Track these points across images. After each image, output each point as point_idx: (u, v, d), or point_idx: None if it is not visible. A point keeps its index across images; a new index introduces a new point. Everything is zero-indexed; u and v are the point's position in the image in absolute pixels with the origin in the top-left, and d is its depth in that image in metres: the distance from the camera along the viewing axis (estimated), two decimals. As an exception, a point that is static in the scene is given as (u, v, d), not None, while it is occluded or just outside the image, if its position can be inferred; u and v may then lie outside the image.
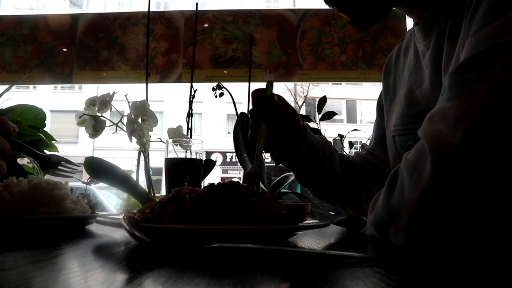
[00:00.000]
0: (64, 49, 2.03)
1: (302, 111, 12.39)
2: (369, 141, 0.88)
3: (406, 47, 0.74)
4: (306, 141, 0.71)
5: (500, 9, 0.39)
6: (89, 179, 1.00)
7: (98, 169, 0.93)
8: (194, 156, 0.79)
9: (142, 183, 1.03)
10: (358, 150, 0.90)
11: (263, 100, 0.66)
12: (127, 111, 0.97)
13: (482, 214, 0.33)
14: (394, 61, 0.77)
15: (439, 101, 0.42)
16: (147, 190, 1.00)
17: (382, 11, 0.59)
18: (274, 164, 0.82)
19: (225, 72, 1.95)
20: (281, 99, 0.68)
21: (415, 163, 0.38)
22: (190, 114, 1.20)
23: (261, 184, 1.10)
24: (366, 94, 13.97)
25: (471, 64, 0.38)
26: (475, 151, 0.33)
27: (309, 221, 0.52)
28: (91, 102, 0.98)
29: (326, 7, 0.63)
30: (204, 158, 0.85)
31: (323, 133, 1.24)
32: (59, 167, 0.61)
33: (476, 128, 0.34)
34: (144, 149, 0.99)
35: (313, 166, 0.72)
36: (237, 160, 1.13)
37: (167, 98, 13.14)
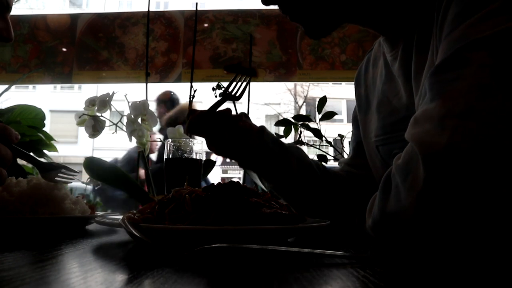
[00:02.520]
0: (64, 49, 2.02)
1: (302, 111, 12.39)
2: (345, 156, 0.87)
3: (374, 57, 0.74)
4: (267, 134, 0.69)
5: (470, 10, 0.40)
6: (89, 179, 1.00)
7: (97, 169, 0.93)
8: (194, 156, 0.79)
9: (142, 183, 1.02)
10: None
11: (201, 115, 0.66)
12: (127, 111, 0.97)
13: (480, 211, 0.33)
14: (364, 72, 0.78)
15: (421, 104, 0.42)
16: (146, 190, 1.00)
17: (334, 23, 0.60)
18: None
19: (225, 72, 1.94)
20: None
21: (407, 166, 0.39)
22: (190, 114, 1.20)
23: (261, 184, 1.10)
24: (366, 94, 13.90)
25: (448, 64, 0.39)
26: (465, 148, 0.34)
27: (309, 221, 0.52)
28: (91, 102, 0.98)
29: None
30: (204, 158, 0.85)
31: (323, 133, 1.24)
32: (59, 174, 0.62)
33: (463, 125, 0.34)
34: (144, 149, 0.99)
35: (281, 154, 0.69)
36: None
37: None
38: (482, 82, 0.35)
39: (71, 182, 0.64)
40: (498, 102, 0.34)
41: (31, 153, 0.61)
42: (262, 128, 0.70)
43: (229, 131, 0.67)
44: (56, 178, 0.61)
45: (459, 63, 0.38)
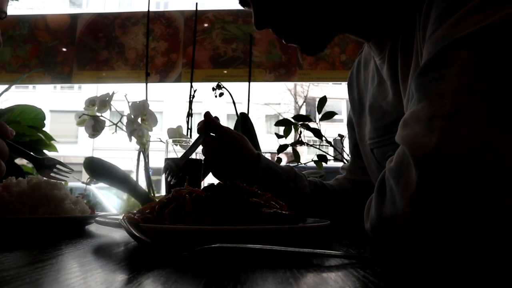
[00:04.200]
0: (64, 49, 2.02)
1: (302, 111, 12.39)
2: (345, 155, 0.88)
3: (365, 60, 0.75)
4: (261, 166, 0.70)
5: (451, 9, 0.40)
6: (89, 179, 1.00)
7: (97, 169, 0.93)
8: (194, 156, 0.79)
9: (142, 183, 1.02)
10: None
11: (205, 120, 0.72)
12: (126, 111, 0.97)
13: (474, 211, 0.33)
14: (356, 75, 0.78)
15: (409, 106, 0.42)
16: (147, 190, 1.00)
17: (327, 37, 0.60)
18: None
19: (225, 72, 1.94)
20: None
21: (399, 169, 0.39)
22: (190, 114, 1.20)
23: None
24: (366, 94, 13.87)
25: (432, 64, 0.39)
26: (453, 148, 0.34)
27: (309, 221, 0.52)
28: (91, 102, 0.98)
29: None
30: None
31: (323, 133, 1.24)
32: (54, 170, 0.62)
33: (450, 125, 0.35)
34: (144, 149, 0.99)
35: (275, 188, 0.68)
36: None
37: (167, 98, 13.13)
38: (466, 82, 0.35)
39: (66, 180, 0.64)
40: (483, 101, 0.34)
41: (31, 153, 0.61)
42: (257, 159, 0.72)
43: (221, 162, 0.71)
44: (51, 174, 0.61)
45: (443, 63, 0.38)
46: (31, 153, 0.61)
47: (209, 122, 0.72)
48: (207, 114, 0.73)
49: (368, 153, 0.71)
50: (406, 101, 0.54)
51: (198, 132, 0.73)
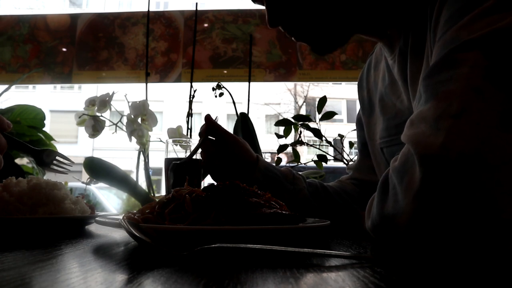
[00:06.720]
0: (64, 49, 2.02)
1: (302, 111, 12.39)
2: (353, 162, 0.87)
3: (376, 60, 0.75)
4: (259, 168, 0.71)
5: (462, 12, 0.40)
6: (89, 179, 1.00)
7: (97, 169, 0.93)
8: (194, 156, 0.79)
9: (142, 183, 1.02)
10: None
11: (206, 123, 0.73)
12: (126, 111, 0.97)
13: (477, 212, 0.33)
14: (366, 75, 0.79)
15: (417, 106, 0.43)
16: (147, 190, 1.00)
17: (341, 39, 0.60)
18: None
19: (225, 72, 1.94)
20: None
21: (403, 167, 0.39)
22: (190, 114, 1.20)
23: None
24: (366, 94, 13.87)
25: (442, 65, 0.39)
26: (459, 148, 0.34)
27: (309, 221, 0.52)
28: (91, 102, 0.98)
29: None
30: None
31: (323, 133, 1.24)
32: (54, 162, 0.62)
33: (457, 125, 0.35)
34: (144, 149, 0.99)
35: (273, 190, 0.67)
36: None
37: (167, 98, 13.13)
38: (475, 83, 0.35)
39: (67, 173, 0.64)
40: (491, 103, 0.34)
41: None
42: (255, 162, 0.72)
43: (221, 164, 0.71)
44: (52, 166, 0.61)
45: (452, 64, 0.38)
46: (29, 145, 0.60)
47: (210, 125, 0.72)
48: (208, 117, 0.73)
49: (378, 152, 0.71)
50: (415, 103, 0.54)
51: (199, 136, 0.73)
